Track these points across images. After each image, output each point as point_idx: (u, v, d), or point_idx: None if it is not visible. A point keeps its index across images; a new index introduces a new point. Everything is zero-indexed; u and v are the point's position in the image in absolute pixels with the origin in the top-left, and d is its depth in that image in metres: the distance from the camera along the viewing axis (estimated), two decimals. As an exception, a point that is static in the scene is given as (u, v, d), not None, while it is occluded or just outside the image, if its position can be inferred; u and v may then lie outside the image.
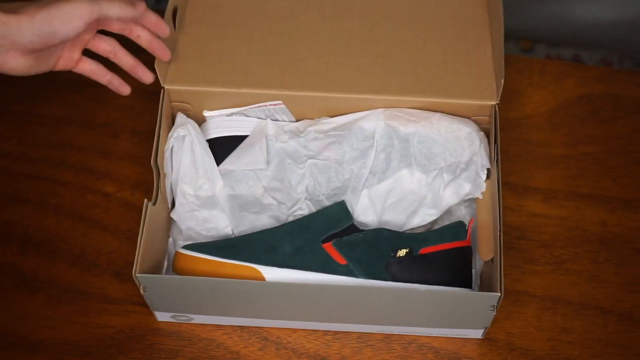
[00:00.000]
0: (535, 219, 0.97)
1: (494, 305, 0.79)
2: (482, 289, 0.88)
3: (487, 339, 0.89)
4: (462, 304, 0.82)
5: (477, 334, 0.87)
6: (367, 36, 0.96)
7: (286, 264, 0.82)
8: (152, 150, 0.85)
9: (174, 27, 0.93)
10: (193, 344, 0.88)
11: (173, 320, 0.89)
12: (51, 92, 1.06)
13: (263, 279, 0.82)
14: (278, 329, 0.89)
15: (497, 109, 0.89)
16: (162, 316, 0.88)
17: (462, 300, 0.81)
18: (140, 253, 0.79)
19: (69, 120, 1.04)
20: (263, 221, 0.90)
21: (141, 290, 0.81)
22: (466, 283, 0.85)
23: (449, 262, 0.85)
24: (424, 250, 0.84)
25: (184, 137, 0.88)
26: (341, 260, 0.83)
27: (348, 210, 0.86)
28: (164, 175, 0.88)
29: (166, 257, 0.91)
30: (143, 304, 0.86)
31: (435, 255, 0.84)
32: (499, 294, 0.77)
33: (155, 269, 0.87)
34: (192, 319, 0.88)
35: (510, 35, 1.50)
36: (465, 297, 0.82)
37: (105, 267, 0.93)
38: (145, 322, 0.89)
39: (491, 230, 0.85)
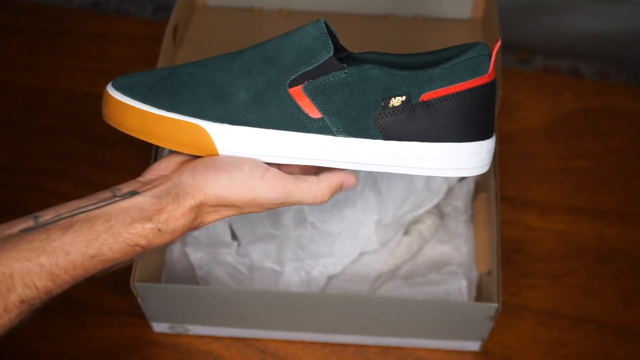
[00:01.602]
0: (532, 233, 0.97)
1: (491, 317, 0.80)
2: (479, 300, 0.88)
3: (484, 352, 0.89)
4: (460, 314, 0.82)
5: (475, 346, 0.87)
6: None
7: (241, 118, 0.62)
8: (150, 161, 0.85)
9: (173, 44, 0.93)
10: (191, 356, 0.88)
11: (170, 332, 0.89)
12: (48, 103, 1.06)
13: (210, 140, 0.63)
14: (275, 340, 0.89)
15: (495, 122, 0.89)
16: (159, 327, 0.88)
17: (459, 310, 0.81)
18: (138, 262, 0.80)
19: (66, 131, 1.04)
20: (261, 215, 0.90)
21: (139, 300, 0.81)
22: (487, 133, 0.65)
23: (463, 110, 0.63)
24: (427, 96, 0.62)
25: None
26: (314, 112, 0.62)
27: (327, 36, 0.62)
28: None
29: (164, 268, 0.91)
30: (140, 315, 0.86)
31: (444, 102, 0.62)
32: (497, 305, 0.78)
33: (153, 279, 0.87)
34: (189, 329, 0.88)
35: (508, 47, 1.50)
36: (462, 307, 0.82)
37: (102, 279, 0.92)
38: (143, 334, 0.89)
39: (489, 243, 0.85)
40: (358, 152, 0.64)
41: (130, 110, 0.64)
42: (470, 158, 0.64)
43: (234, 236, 0.92)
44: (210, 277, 0.89)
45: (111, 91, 0.65)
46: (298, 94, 0.62)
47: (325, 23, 0.63)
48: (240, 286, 0.88)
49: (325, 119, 0.62)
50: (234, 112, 0.63)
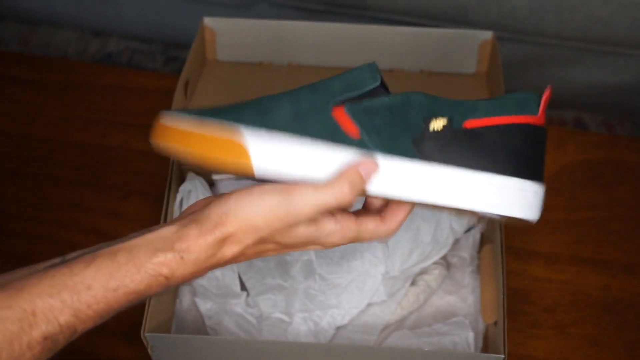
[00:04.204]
0: (538, 283, 0.98)
1: (497, 368, 0.80)
2: (485, 351, 0.88)
3: (491, 402, 0.89)
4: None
5: (481, 397, 0.88)
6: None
7: (278, 127, 0.61)
8: (161, 212, 0.87)
9: (185, 98, 0.96)
10: (199, 405, 0.89)
11: (180, 382, 0.89)
12: (61, 154, 1.08)
13: (245, 152, 0.60)
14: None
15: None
16: (169, 377, 0.89)
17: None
18: (149, 312, 0.81)
19: (79, 182, 1.06)
20: (270, 266, 0.91)
21: (149, 350, 0.82)
22: (536, 175, 0.62)
23: (509, 143, 0.61)
24: (470, 123, 0.60)
25: (189, 192, 0.91)
26: (354, 132, 0.60)
27: (377, 70, 0.62)
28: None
29: (174, 318, 0.92)
30: (150, 365, 0.87)
31: (488, 131, 0.61)
32: (503, 356, 0.78)
33: (163, 329, 0.87)
34: (199, 380, 0.89)
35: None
36: (470, 358, 0.83)
37: (114, 329, 0.94)
38: (152, 383, 0.90)
39: (495, 294, 0.86)
40: (394, 172, 0.61)
41: (173, 133, 0.61)
42: (512, 192, 0.61)
43: (243, 287, 0.93)
44: (220, 326, 0.90)
45: (163, 119, 0.63)
46: (340, 114, 0.60)
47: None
48: (248, 336, 0.89)
49: (364, 137, 0.61)
50: (273, 122, 0.60)
